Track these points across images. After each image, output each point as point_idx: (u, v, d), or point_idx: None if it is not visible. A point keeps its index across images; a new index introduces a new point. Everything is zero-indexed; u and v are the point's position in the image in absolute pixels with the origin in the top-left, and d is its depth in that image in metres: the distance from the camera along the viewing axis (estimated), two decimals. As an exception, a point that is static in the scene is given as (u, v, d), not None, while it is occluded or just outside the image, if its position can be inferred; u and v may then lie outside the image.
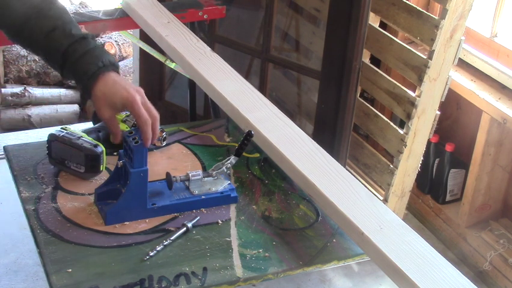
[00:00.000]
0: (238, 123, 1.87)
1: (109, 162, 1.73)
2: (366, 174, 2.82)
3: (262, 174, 1.82)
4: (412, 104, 2.52)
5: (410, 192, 2.73)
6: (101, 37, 4.06)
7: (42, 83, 3.96)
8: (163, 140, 1.57)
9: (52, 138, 1.71)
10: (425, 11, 2.50)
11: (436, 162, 2.89)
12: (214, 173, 1.65)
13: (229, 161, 1.65)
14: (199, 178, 1.64)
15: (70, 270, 1.42)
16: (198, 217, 1.60)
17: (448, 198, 2.90)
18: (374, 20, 2.72)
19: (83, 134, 1.71)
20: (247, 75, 3.04)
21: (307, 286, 2.65)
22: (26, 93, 3.73)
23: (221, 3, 2.67)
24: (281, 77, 3.12)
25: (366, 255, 1.48)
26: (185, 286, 1.41)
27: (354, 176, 2.08)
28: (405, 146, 2.57)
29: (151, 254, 1.48)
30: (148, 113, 1.50)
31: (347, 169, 2.29)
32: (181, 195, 1.64)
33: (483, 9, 2.77)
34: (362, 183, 2.09)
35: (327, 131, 2.59)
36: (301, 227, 1.63)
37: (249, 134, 1.64)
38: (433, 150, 2.88)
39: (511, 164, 2.71)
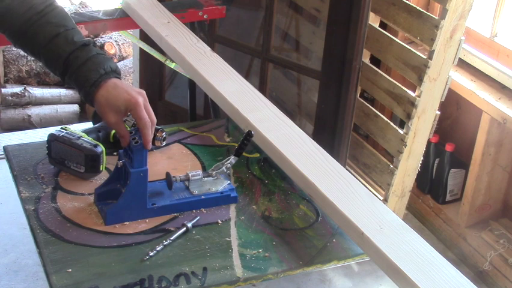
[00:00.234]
0: (238, 123, 1.87)
1: (108, 162, 1.73)
2: (366, 174, 2.82)
3: (262, 174, 1.82)
4: (412, 104, 2.52)
5: (410, 192, 2.73)
6: (101, 37, 4.07)
7: (42, 83, 3.96)
8: (163, 140, 1.56)
9: (52, 138, 1.71)
10: (425, 11, 2.50)
11: (436, 162, 2.89)
12: (214, 173, 1.65)
13: (229, 161, 1.65)
14: (199, 178, 1.64)
15: (70, 270, 1.42)
16: (198, 217, 1.61)
17: (448, 198, 2.90)
18: (374, 20, 2.72)
19: (83, 134, 1.71)
20: (247, 75, 3.04)
21: (307, 286, 2.65)
22: (26, 93, 3.73)
23: (221, 3, 2.67)
24: (281, 77, 3.12)
25: (366, 255, 1.48)
26: (185, 286, 1.41)
27: (354, 176, 2.08)
28: (405, 146, 2.57)
29: (151, 254, 1.48)
30: (148, 116, 1.51)
31: (347, 169, 2.29)
32: (181, 195, 1.64)
33: (483, 9, 2.77)
34: (362, 183, 2.09)
35: (327, 131, 2.59)
36: (301, 227, 1.63)
37: (249, 134, 1.64)
38: (433, 150, 2.88)
39: (511, 164, 2.71)
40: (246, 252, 1.52)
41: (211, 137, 1.97)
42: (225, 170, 1.65)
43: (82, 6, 4.25)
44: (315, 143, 1.74)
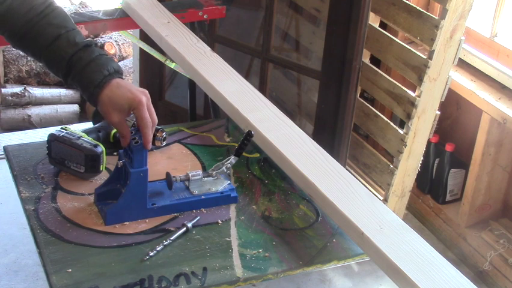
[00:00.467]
0: (238, 123, 1.87)
1: (109, 162, 1.73)
2: (366, 174, 2.82)
3: (262, 174, 1.82)
4: (412, 104, 2.52)
5: (410, 192, 2.73)
6: (101, 37, 4.07)
7: (42, 83, 3.96)
8: (163, 140, 1.56)
9: (52, 138, 1.71)
10: (425, 11, 2.50)
11: (436, 162, 2.89)
12: (214, 173, 1.65)
13: (229, 161, 1.65)
14: (199, 178, 1.64)
15: (70, 270, 1.42)
16: (198, 217, 1.61)
17: (448, 198, 2.90)
18: (374, 20, 2.72)
19: (83, 134, 1.71)
20: (247, 75, 3.04)
21: (307, 286, 2.65)
22: (26, 93, 3.73)
23: (221, 3, 2.67)
24: (281, 77, 3.12)
25: (366, 255, 1.48)
26: (185, 286, 1.41)
27: (354, 176, 2.08)
28: (405, 146, 2.57)
29: (151, 254, 1.48)
30: (150, 116, 1.51)
31: (347, 169, 2.29)
32: (181, 195, 1.64)
33: (483, 9, 2.77)
34: (362, 183, 2.09)
35: (327, 131, 2.59)
36: (301, 227, 1.63)
37: (249, 134, 1.64)
38: (433, 150, 2.88)
39: (511, 164, 2.71)
40: (246, 252, 1.52)
41: (211, 137, 1.97)
42: (225, 170, 1.65)
43: (82, 6, 4.25)
44: (315, 143, 1.74)
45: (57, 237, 1.52)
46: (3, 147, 1.84)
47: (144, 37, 2.71)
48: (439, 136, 2.85)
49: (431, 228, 2.93)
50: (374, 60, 2.82)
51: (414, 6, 2.54)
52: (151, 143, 1.52)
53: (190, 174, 1.63)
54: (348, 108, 2.51)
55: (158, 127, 1.56)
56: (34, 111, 3.72)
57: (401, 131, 2.59)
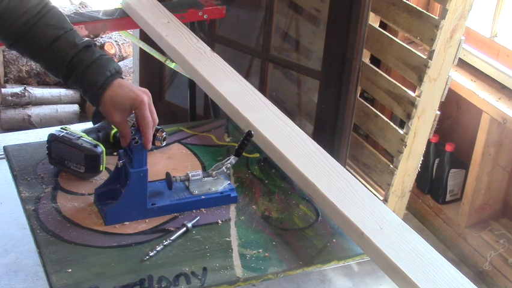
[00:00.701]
0: (238, 123, 1.87)
1: (108, 162, 1.73)
2: (366, 174, 2.82)
3: (262, 174, 1.82)
4: (412, 104, 2.52)
5: (410, 192, 2.73)
6: (101, 37, 4.07)
7: (42, 83, 3.96)
8: (163, 140, 1.56)
9: (52, 138, 1.71)
10: (425, 11, 2.50)
11: (436, 162, 2.89)
12: (214, 173, 1.65)
13: (229, 161, 1.65)
14: (199, 178, 1.64)
15: (70, 270, 1.42)
16: (198, 217, 1.61)
17: (448, 198, 2.90)
18: (374, 20, 2.72)
19: (83, 134, 1.71)
20: (247, 75, 3.04)
21: (307, 286, 2.65)
22: (26, 93, 3.73)
23: (221, 3, 2.67)
24: (281, 77, 3.12)
25: (366, 255, 1.48)
26: (185, 286, 1.41)
27: (354, 176, 2.08)
28: (405, 146, 2.57)
29: (151, 254, 1.48)
30: (151, 115, 1.51)
31: (347, 169, 2.29)
32: (181, 195, 1.64)
33: (483, 9, 2.77)
34: (362, 183, 2.09)
35: (327, 131, 2.59)
36: (301, 227, 1.63)
37: (249, 134, 1.64)
38: (433, 150, 2.88)
39: (511, 164, 2.71)
40: (246, 252, 1.52)
41: (211, 137, 1.97)
42: (225, 170, 1.65)
43: (82, 6, 4.25)
44: (315, 143, 1.74)
45: (57, 237, 1.52)
46: (3, 147, 1.84)
47: (144, 37, 2.71)
48: (439, 136, 2.85)
49: (431, 228, 2.93)
50: (374, 60, 2.82)
51: (414, 6, 2.54)
52: (151, 143, 1.52)
53: (190, 174, 1.63)
54: (348, 108, 2.51)
55: (158, 127, 1.56)
56: (34, 111, 3.72)
57: (401, 131, 2.59)
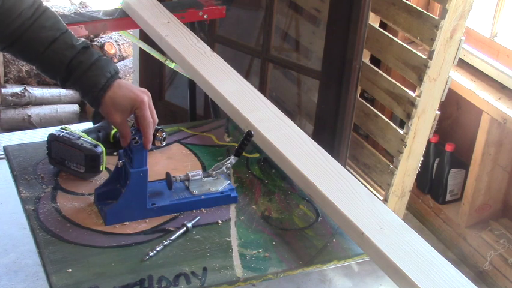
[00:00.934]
0: (238, 123, 1.87)
1: (108, 162, 1.73)
2: (366, 174, 2.82)
3: (262, 174, 1.82)
4: (412, 104, 2.52)
5: (410, 192, 2.73)
6: (101, 37, 4.07)
7: (42, 83, 3.96)
8: (163, 140, 1.56)
9: (52, 138, 1.71)
10: (425, 11, 2.50)
11: (436, 162, 2.89)
12: (214, 173, 1.65)
13: (229, 161, 1.65)
14: (199, 178, 1.64)
15: (70, 270, 1.42)
16: (198, 217, 1.61)
17: (448, 198, 2.90)
18: (374, 20, 2.72)
19: (83, 134, 1.71)
20: (247, 75, 3.04)
21: (307, 286, 2.65)
22: (26, 93, 3.72)
23: (221, 3, 2.67)
24: (281, 77, 3.12)
25: (366, 255, 1.48)
26: (185, 286, 1.41)
27: (354, 176, 2.08)
28: (405, 146, 2.57)
29: (151, 254, 1.48)
30: (151, 115, 1.51)
31: (347, 169, 2.29)
32: (181, 195, 1.64)
33: (483, 9, 2.77)
34: (362, 183, 2.09)
35: (327, 131, 2.59)
36: (301, 227, 1.63)
37: (249, 134, 1.64)
38: (433, 150, 2.88)
39: (511, 164, 2.71)
40: (246, 252, 1.52)
41: (211, 137, 1.97)
42: (225, 170, 1.65)
43: (82, 6, 4.25)
44: (315, 143, 1.74)
45: (57, 237, 1.52)
46: (3, 147, 1.84)
47: (144, 37, 2.71)
48: (439, 136, 2.85)
49: (431, 228, 2.93)
50: (374, 60, 2.82)
51: (414, 6, 2.54)
52: (151, 143, 1.52)
53: (190, 174, 1.63)
54: (348, 108, 2.51)
55: (158, 127, 1.56)
56: (34, 111, 3.72)
57: (401, 131, 2.59)
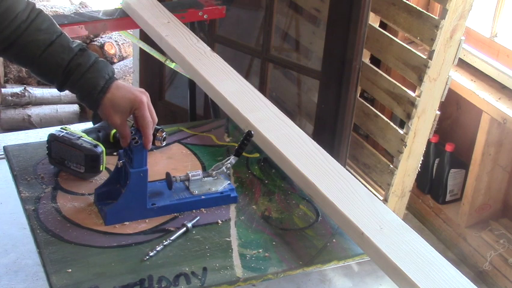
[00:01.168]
0: (238, 123, 1.87)
1: (108, 162, 1.73)
2: (366, 174, 2.82)
3: (262, 174, 1.82)
4: (412, 104, 2.52)
5: (410, 192, 2.73)
6: (101, 37, 4.07)
7: (42, 83, 3.96)
8: (163, 140, 1.56)
9: (52, 138, 1.71)
10: (425, 11, 2.50)
11: (436, 162, 2.89)
12: (214, 173, 1.65)
13: (229, 161, 1.65)
14: (199, 178, 1.64)
15: (70, 270, 1.42)
16: (198, 217, 1.61)
17: (448, 198, 2.90)
18: (374, 20, 2.72)
19: (83, 134, 1.71)
20: (247, 75, 3.04)
21: (307, 286, 2.65)
22: (26, 93, 3.73)
23: (221, 3, 2.67)
24: (281, 77, 3.12)
25: (366, 255, 1.48)
26: (185, 286, 1.41)
27: (354, 176, 2.08)
28: (405, 146, 2.57)
29: (151, 254, 1.48)
30: (150, 115, 1.51)
31: (347, 169, 2.29)
32: (181, 195, 1.64)
33: (483, 9, 2.77)
34: (362, 183, 2.09)
35: (327, 131, 2.59)
36: (301, 227, 1.63)
37: (249, 134, 1.64)
38: (433, 150, 2.88)
39: (511, 164, 2.71)
40: (246, 252, 1.52)
41: (211, 137, 1.97)
42: (225, 170, 1.65)
43: (82, 6, 4.25)
44: (315, 143, 1.74)
45: (57, 237, 1.52)
46: (3, 147, 1.84)
47: (144, 37, 2.71)
48: (439, 136, 2.85)
49: (431, 228, 2.93)
50: (374, 60, 2.82)
51: (414, 6, 2.54)
52: (151, 143, 1.52)
53: (190, 174, 1.63)
54: (348, 108, 2.51)
55: (158, 127, 1.56)
56: (34, 111, 3.72)
57: (401, 131, 2.59)
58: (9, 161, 1.79)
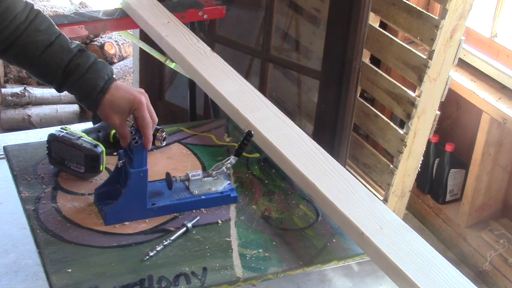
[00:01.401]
0: (238, 123, 1.87)
1: (108, 162, 1.73)
2: (366, 174, 2.82)
3: (262, 174, 1.82)
4: (412, 104, 2.52)
5: (410, 192, 2.73)
6: (101, 37, 4.07)
7: (42, 83, 3.95)
8: (163, 140, 1.56)
9: (52, 138, 1.71)
10: (425, 11, 2.50)
11: (436, 162, 2.89)
12: (214, 173, 1.65)
13: (229, 161, 1.65)
14: (199, 178, 1.64)
15: (70, 270, 1.42)
16: (198, 217, 1.61)
17: (448, 198, 2.90)
18: (374, 20, 2.72)
19: (83, 134, 1.71)
20: (247, 75, 3.04)
21: (307, 286, 2.64)
22: (26, 93, 3.73)
23: (221, 3, 2.67)
24: (281, 77, 3.12)
25: (366, 255, 1.48)
26: (185, 286, 1.41)
27: (354, 176, 2.08)
28: (405, 146, 2.57)
29: (151, 254, 1.48)
30: (150, 115, 1.51)
31: (347, 169, 2.29)
32: (181, 195, 1.64)
33: (483, 9, 2.77)
34: (362, 183, 2.09)
35: (327, 131, 2.59)
36: (301, 227, 1.63)
37: (249, 134, 1.64)
38: (433, 150, 2.88)
39: (511, 164, 2.71)
40: (246, 252, 1.52)
41: (211, 137, 1.97)
42: (225, 170, 1.65)
43: (82, 6, 4.25)
44: (315, 143, 1.74)
45: (57, 237, 1.52)
46: (3, 147, 1.84)
47: (144, 37, 2.71)
48: (439, 136, 2.85)
49: (431, 228, 2.93)
50: (374, 60, 2.82)
51: (414, 6, 2.54)
52: (151, 143, 1.52)
53: (190, 174, 1.63)
54: (348, 108, 2.51)
55: (158, 127, 1.56)
56: (34, 111, 3.72)
57: (401, 131, 2.59)
58: (9, 161, 1.79)
